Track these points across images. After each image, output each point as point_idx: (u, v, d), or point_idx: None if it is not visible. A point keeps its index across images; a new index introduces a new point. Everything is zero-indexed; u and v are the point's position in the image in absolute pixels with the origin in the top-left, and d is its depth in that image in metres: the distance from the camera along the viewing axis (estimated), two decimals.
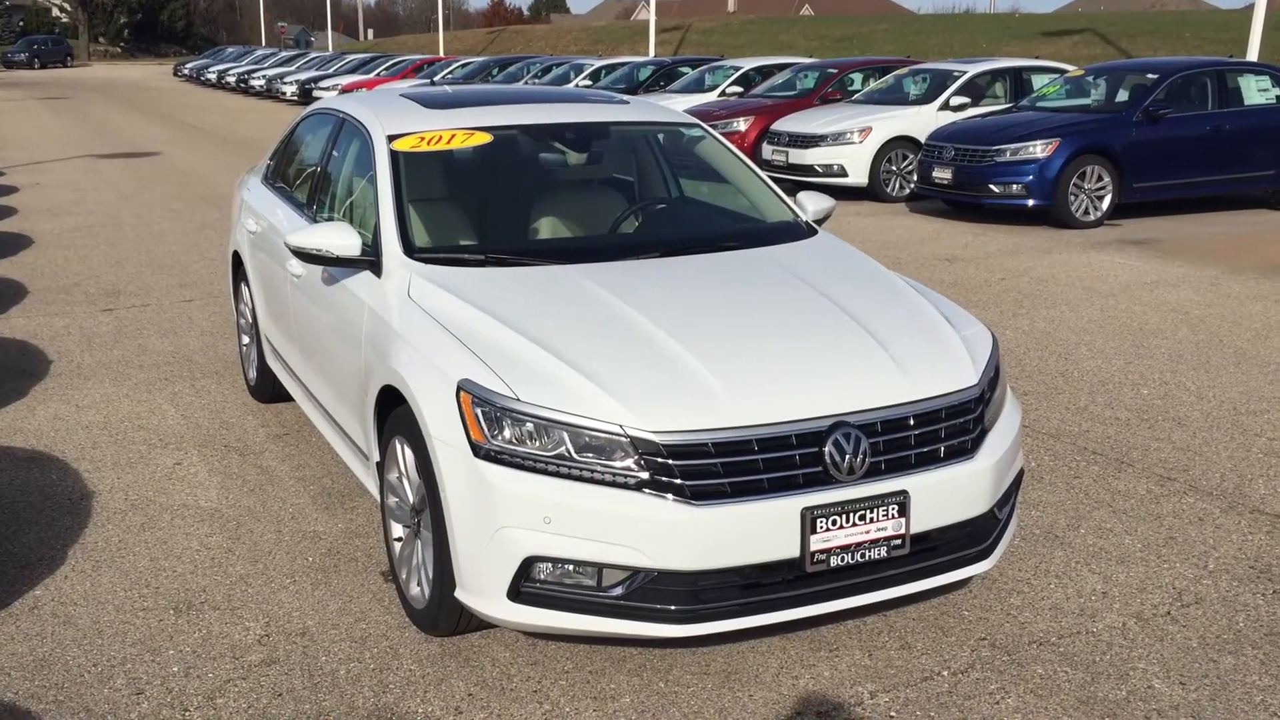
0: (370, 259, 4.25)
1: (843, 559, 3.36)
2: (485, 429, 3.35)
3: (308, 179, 5.48)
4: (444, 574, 3.52)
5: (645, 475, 3.24)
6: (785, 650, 3.71)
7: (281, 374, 5.62)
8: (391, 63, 34.18)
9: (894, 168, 14.26)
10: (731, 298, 3.99)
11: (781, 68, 19.01)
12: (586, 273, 4.07)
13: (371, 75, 32.68)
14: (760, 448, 3.30)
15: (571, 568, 3.31)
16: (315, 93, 34.10)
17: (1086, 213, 12.00)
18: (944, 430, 3.55)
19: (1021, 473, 3.97)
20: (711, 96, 18.63)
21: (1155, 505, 4.85)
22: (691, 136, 5.24)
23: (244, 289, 6.22)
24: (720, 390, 3.37)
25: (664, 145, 5.27)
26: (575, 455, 3.28)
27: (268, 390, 6.07)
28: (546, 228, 4.70)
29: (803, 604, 3.37)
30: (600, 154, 5.19)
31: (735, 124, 16.12)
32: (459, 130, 4.71)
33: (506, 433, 3.33)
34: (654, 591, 3.28)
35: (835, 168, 14.18)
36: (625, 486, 3.25)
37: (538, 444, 3.30)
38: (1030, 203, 11.98)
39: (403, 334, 3.83)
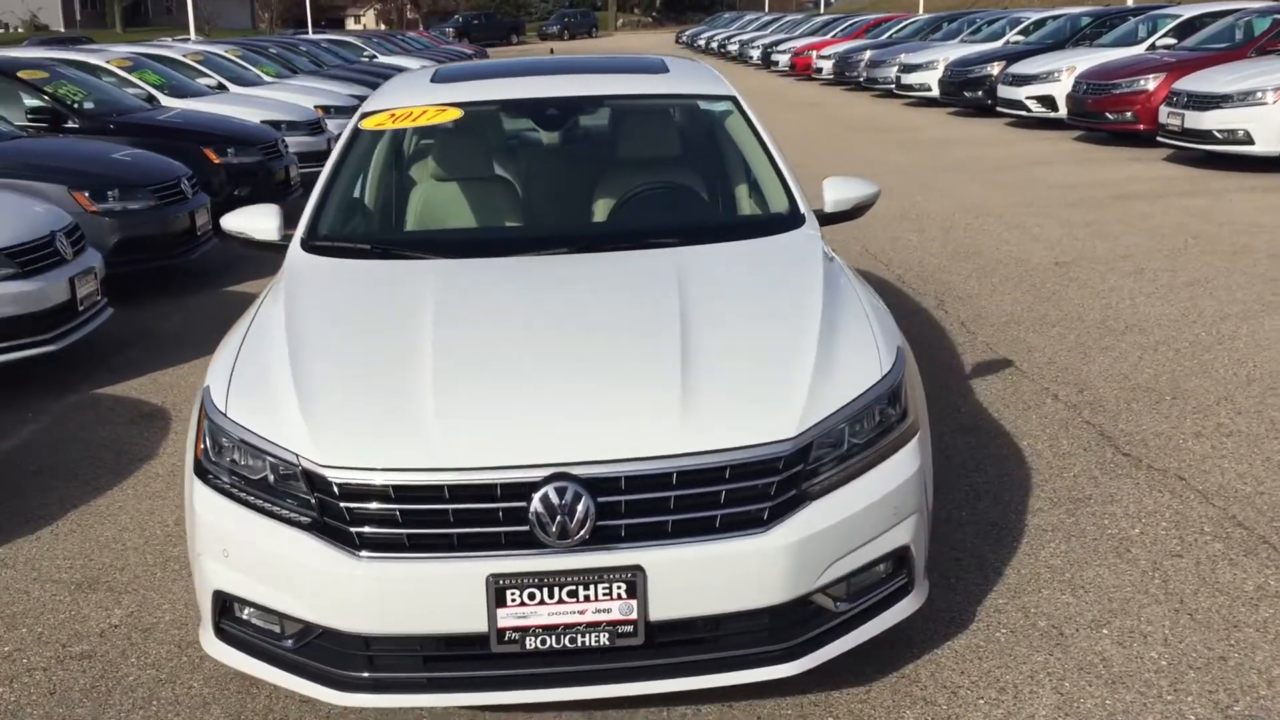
0: (285, 244, 4.07)
1: (544, 641, 2.73)
2: (207, 442, 3.07)
3: None
4: None
5: (316, 515, 2.82)
6: None
7: None
8: (848, 24, 33.56)
9: None
10: (571, 309, 3.43)
11: (1229, 13, 16.33)
12: (452, 271, 3.69)
13: (827, 37, 32.30)
14: (453, 496, 2.75)
15: (267, 610, 2.96)
16: (773, 56, 34.35)
17: None
18: (724, 494, 2.77)
19: (905, 551, 3.02)
20: (1140, 50, 16.43)
21: (1252, 611, 3.55)
22: (716, 112, 4.52)
23: None
24: (432, 425, 2.85)
25: (675, 123, 4.58)
26: (273, 484, 2.91)
27: None
28: (477, 215, 4.27)
29: (495, 688, 2.79)
30: (584, 133, 4.60)
31: (1142, 82, 14.12)
32: (430, 106, 4.38)
33: (220, 449, 3.03)
34: (325, 650, 2.87)
35: (1239, 134, 11.93)
36: (297, 525, 2.84)
37: (245, 467, 2.97)
38: None
39: (233, 331, 3.63)
